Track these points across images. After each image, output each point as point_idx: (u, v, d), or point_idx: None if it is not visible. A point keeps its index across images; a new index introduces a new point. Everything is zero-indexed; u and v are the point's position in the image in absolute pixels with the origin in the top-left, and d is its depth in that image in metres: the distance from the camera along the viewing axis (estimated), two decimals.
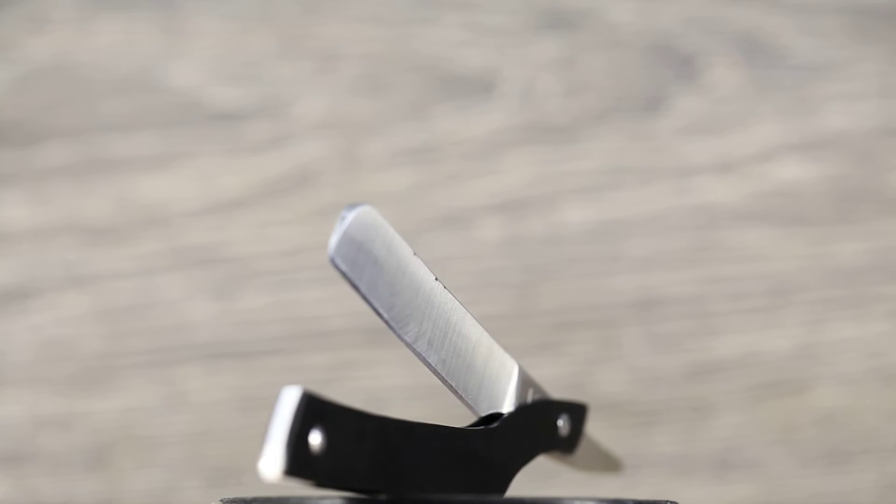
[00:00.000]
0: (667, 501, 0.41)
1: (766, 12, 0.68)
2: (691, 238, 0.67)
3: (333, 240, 0.37)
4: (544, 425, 0.43)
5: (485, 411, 0.41)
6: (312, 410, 0.35)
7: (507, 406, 0.42)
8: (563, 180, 0.67)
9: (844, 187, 0.68)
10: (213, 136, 0.67)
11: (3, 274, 0.66)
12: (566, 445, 0.44)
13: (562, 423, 0.44)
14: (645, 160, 0.67)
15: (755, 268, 0.67)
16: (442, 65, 0.67)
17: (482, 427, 0.41)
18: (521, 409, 0.42)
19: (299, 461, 0.35)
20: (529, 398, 0.43)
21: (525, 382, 0.43)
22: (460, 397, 0.41)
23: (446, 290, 0.40)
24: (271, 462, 0.34)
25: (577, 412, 0.44)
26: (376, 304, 0.38)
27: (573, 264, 0.67)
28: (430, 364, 0.40)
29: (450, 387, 0.41)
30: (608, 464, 0.49)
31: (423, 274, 0.40)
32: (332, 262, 0.37)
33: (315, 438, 0.35)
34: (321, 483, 0.36)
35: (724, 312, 0.67)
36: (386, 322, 0.39)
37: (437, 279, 0.40)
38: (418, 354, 0.40)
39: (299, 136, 0.67)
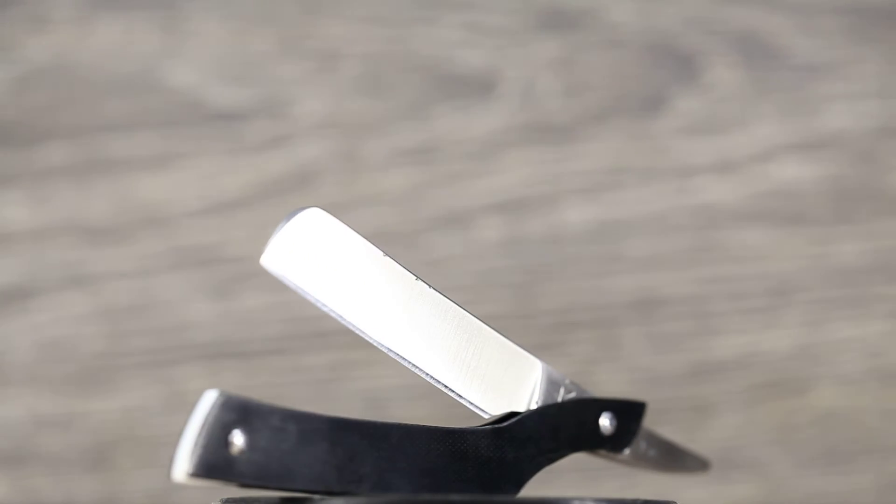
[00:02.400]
0: (667, 501, 0.41)
1: (766, 12, 0.68)
2: (691, 238, 0.67)
3: (268, 246, 0.37)
4: (579, 424, 0.42)
5: (496, 411, 0.41)
6: (230, 413, 0.36)
7: (527, 405, 0.42)
8: (563, 180, 0.67)
9: (844, 187, 0.68)
10: (213, 136, 0.67)
11: (3, 274, 0.66)
12: (612, 444, 0.43)
13: (606, 421, 0.43)
14: (645, 160, 0.67)
15: (755, 268, 0.67)
16: (442, 65, 0.67)
17: (487, 427, 0.41)
18: (543, 408, 0.42)
19: (211, 463, 0.35)
20: (560, 397, 0.42)
21: (553, 382, 0.42)
22: (459, 396, 0.41)
23: (434, 291, 0.40)
24: (178, 464, 0.35)
25: (629, 410, 0.44)
26: (332, 308, 0.38)
27: (573, 264, 0.67)
28: (413, 364, 0.40)
29: (444, 386, 0.40)
30: (689, 464, 0.48)
31: (400, 275, 0.39)
32: (265, 266, 0.37)
33: (237, 439, 0.35)
34: (247, 484, 0.36)
35: (724, 312, 0.67)
36: (348, 325, 0.39)
37: (418, 279, 0.40)
38: (395, 355, 0.39)
39: (299, 136, 0.67)
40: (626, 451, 0.44)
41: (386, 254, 0.39)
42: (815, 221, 0.68)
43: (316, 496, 0.37)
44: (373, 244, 0.39)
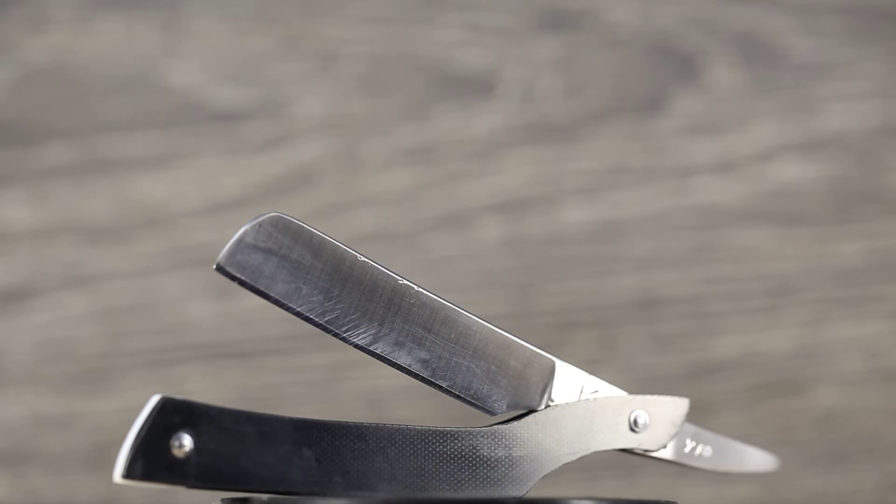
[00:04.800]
0: (667, 501, 0.41)
1: (766, 12, 0.68)
2: (691, 238, 0.67)
3: (224, 250, 0.37)
4: (604, 422, 0.42)
5: (501, 410, 0.41)
6: (174, 416, 0.36)
7: (540, 404, 0.41)
8: (563, 180, 0.67)
9: (844, 187, 0.68)
10: (213, 136, 0.67)
11: (3, 274, 0.66)
12: (646, 443, 0.42)
13: (638, 419, 0.42)
14: (645, 160, 0.67)
15: (755, 268, 0.67)
16: (442, 65, 0.67)
17: (490, 427, 0.40)
18: (555, 407, 0.41)
19: (150, 466, 0.36)
20: (581, 395, 0.42)
21: (571, 380, 0.42)
22: (456, 397, 0.41)
23: (423, 290, 0.40)
24: (117, 466, 0.35)
25: (667, 408, 0.43)
26: (300, 309, 0.38)
27: (573, 264, 0.67)
28: (397, 364, 0.40)
29: (437, 386, 0.40)
30: (750, 462, 0.47)
31: (381, 276, 0.39)
32: (220, 270, 0.37)
33: (185, 442, 0.36)
34: (194, 485, 0.36)
35: (724, 312, 0.67)
36: (319, 326, 0.39)
37: (403, 280, 0.39)
38: (377, 356, 0.39)
39: (299, 136, 0.67)
40: (666, 450, 0.43)
41: (364, 256, 0.39)
42: (815, 221, 0.67)
43: (288, 497, 0.37)
44: (349, 248, 0.39)
